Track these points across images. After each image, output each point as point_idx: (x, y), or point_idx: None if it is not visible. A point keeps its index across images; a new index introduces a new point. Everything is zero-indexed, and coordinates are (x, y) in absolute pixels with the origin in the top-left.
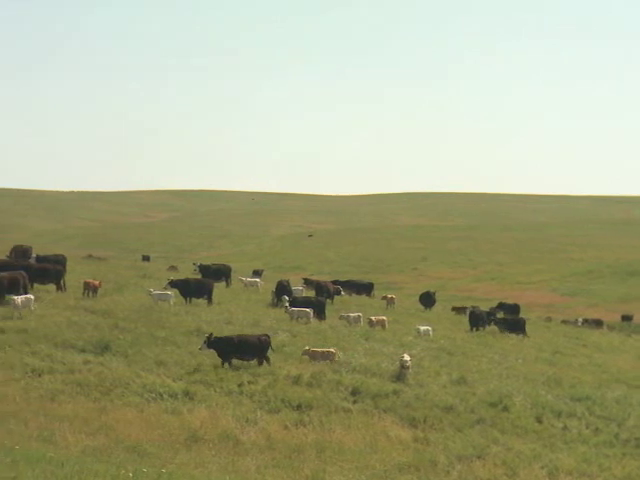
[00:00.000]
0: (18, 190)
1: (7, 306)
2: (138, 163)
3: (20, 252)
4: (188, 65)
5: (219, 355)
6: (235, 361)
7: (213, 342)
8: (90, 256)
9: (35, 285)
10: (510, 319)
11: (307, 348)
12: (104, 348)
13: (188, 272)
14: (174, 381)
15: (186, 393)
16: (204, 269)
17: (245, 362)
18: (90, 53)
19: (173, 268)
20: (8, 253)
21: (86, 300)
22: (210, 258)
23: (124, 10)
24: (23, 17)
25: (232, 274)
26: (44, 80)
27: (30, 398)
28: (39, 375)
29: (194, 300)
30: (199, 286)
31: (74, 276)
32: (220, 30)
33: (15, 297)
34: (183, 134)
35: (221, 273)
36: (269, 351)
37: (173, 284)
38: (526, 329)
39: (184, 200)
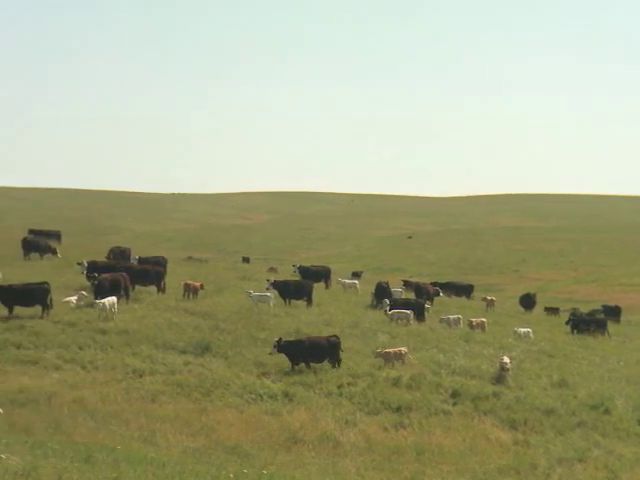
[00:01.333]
0: (117, 192)
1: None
2: (236, 165)
3: (118, 253)
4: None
5: (289, 359)
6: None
7: (283, 346)
8: (190, 258)
9: (136, 286)
10: (591, 318)
11: (379, 349)
12: (204, 349)
13: (287, 274)
14: (274, 383)
15: (286, 394)
16: (304, 271)
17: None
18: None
19: (273, 270)
20: (107, 254)
21: (186, 301)
22: (309, 259)
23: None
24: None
25: (331, 276)
26: (148, 84)
27: (131, 399)
28: (140, 376)
29: (293, 301)
30: (299, 287)
31: (174, 278)
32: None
33: (98, 300)
34: (280, 135)
35: (320, 275)
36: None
37: (273, 285)
38: (608, 330)
39: (282, 202)
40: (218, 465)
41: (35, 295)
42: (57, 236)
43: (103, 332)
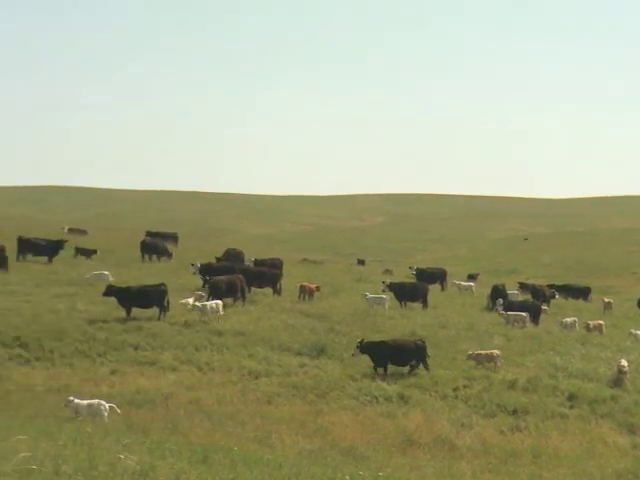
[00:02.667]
0: (231, 194)
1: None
2: (349, 167)
3: (232, 255)
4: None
5: (373, 360)
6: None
7: (365, 347)
8: (305, 260)
9: (252, 288)
10: None
11: (471, 352)
12: (320, 351)
13: (403, 275)
14: (389, 385)
15: (401, 397)
16: (420, 273)
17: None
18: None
19: (388, 272)
20: (220, 256)
21: (302, 303)
22: (425, 261)
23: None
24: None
25: (447, 278)
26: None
27: (247, 400)
28: (256, 377)
29: (409, 304)
30: (414, 290)
31: (290, 280)
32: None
33: (201, 303)
34: (392, 137)
35: (436, 277)
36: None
37: (389, 287)
38: None
39: (396, 204)
40: (334, 467)
41: (152, 297)
42: (174, 238)
43: (219, 334)
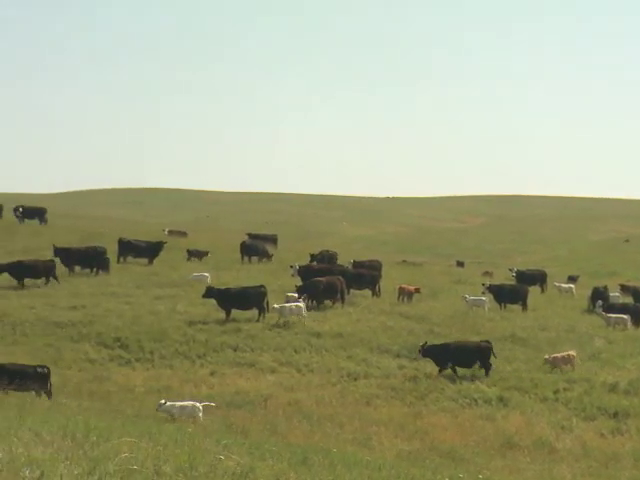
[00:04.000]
0: (331, 196)
1: (322, 310)
2: (446, 168)
3: (326, 257)
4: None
5: (436, 363)
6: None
7: (427, 350)
8: (404, 261)
9: (351, 290)
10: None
11: (547, 356)
12: (419, 353)
13: (502, 277)
14: (488, 387)
15: (500, 399)
16: (519, 274)
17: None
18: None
19: (487, 274)
20: (310, 258)
21: (401, 305)
22: (525, 263)
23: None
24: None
25: (547, 280)
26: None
27: (346, 402)
28: (355, 379)
29: (508, 305)
30: (514, 291)
31: (389, 281)
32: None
33: (278, 305)
34: (489, 139)
35: (536, 279)
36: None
37: (488, 289)
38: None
39: (496, 205)
40: (433, 469)
41: (252, 298)
42: (273, 240)
43: (318, 335)
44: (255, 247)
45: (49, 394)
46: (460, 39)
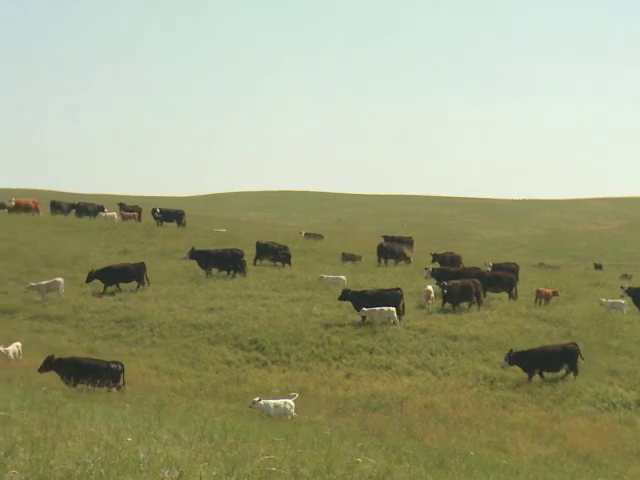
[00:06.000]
0: (467, 198)
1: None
2: (583, 170)
3: (450, 259)
4: None
5: (524, 369)
6: None
7: (514, 357)
8: (541, 264)
9: (487, 293)
10: None
11: None
12: None
13: None
14: (627, 391)
15: (639, 403)
16: None
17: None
18: None
19: (626, 276)
20: (433, 259)
21: (538, 308)
22: None
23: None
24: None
25: None
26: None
27: (482, 405)
28: (491, 382)
29: None
30: None
31: (526, 284)
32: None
33: (367, 309)
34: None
35: None
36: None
37: (627, 292)
38: None
39: (632, 207)
40: (571, 474)
41: (388, 301)
42: (409, 243)
43: (454, 338)
44: (392, 250)
45: (120, 389)
46: None
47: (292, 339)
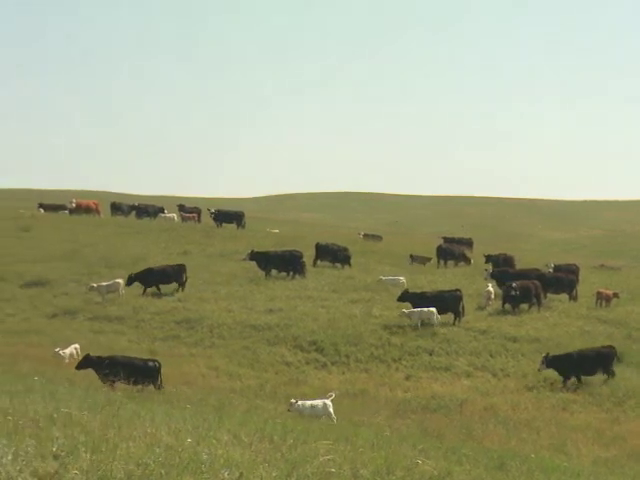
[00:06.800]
0: (527, 199)
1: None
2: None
3: (503, 260)
4: None
5: (560, 373)
6: None
7: (551, 360)
8: (602, 266)
9: (548, 294)
10: None
11: None
12: (617, 358)
13: None
14: None
15: None
16: None
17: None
18: None
19: None
20: (485, 260)
21: (599, 310)
22: None
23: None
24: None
25: None
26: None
27: (542, 407)
28: (551, 384)
29: None
30: None
31: (587, 286)
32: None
33: (407, 310)
34: None
35: None
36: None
37: None
38: None
39: None
40: (632, 476)
41: (448, 302)
42: (469, 244)
43: (514, 339)
44: (452, 251)
45: (158, 387)
46: None
47: (351, 340)
